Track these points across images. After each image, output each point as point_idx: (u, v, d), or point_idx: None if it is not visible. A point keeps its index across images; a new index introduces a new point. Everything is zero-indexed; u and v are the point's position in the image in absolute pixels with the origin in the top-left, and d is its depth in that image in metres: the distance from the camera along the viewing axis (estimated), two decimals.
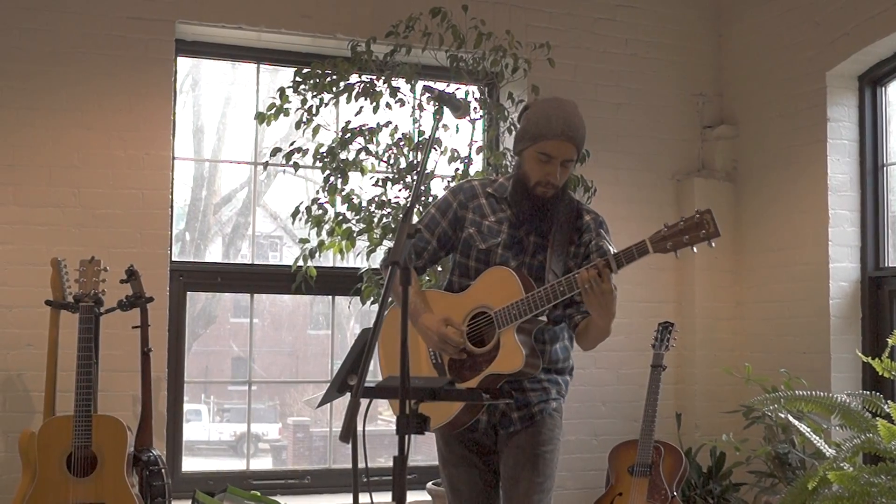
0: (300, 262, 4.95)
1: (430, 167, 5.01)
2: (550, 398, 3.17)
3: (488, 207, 3.18)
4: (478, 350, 3.03)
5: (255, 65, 5.54)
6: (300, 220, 4.96)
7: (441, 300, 3.15)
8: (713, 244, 2.83)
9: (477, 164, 5.18)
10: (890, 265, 5.21)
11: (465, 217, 3.18)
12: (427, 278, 4.83)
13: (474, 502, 3.21)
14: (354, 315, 6.11)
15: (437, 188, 5.00)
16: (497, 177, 3.37)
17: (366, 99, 4.93)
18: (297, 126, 4.97)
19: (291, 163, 4.93)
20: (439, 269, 4.79)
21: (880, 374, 3.88)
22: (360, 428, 2.19)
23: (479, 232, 3.15)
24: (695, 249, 2.86)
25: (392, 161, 4.92)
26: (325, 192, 4.93)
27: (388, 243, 4.83)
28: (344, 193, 4.90)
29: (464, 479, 3.21)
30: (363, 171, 4.96)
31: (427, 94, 4.79)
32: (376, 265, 5.00)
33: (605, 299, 2.84)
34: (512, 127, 5.12)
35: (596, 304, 2.86)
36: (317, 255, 4.96)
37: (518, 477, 3.11)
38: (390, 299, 2.69)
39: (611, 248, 3.05)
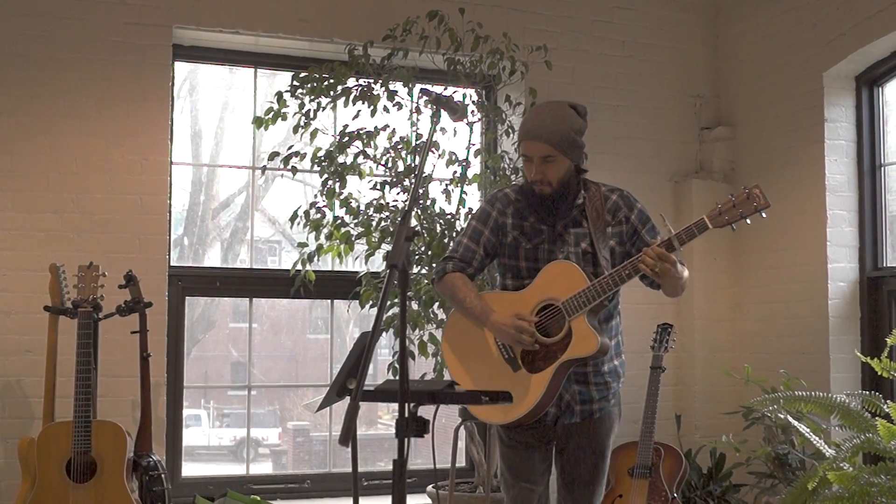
0: (299, 267, 4.95)
1: (427, 170, 5.02)
2: (610, 395, 3.36)
3: (524, 210, 3.36)
4: (550, 339, 3.19)
5: (253, 69, 5.55)
6: (298, 224, 4.96)
7: (503, 300, 3.31)
8: (764, 214, 3.08)
9: (475, 168, 5.18)
10: (888, 265, 5.22)
11: (506, 223, 3.37)
12: (427, 282, 4.83)
13: (529, 477, 3.37)
14: (353, 319, 6.09)
15: (435, 191, 5.01)
16: (519, 182, 3.56)
17: (363, 102, 4.93)
18: (295, 130, 4.97)
19: (289, 167, 4.93)
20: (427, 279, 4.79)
21: (879, 374, 3.88)
22: (360, 431, 2.19)
23: (523, 233, 3.34)
24: (748, 221, 3.09)
25: (390, 164, 4.92)
26: (324, 196, 4.93)
27: (386, 247, 4.83)
28: (342, 197, 4.90)
29: (522, 456, 3.37)
30: (361, 175, 4.96)
31: (424, 98, 4.80)
32: (375, 269, 5.00)
33: (669, 271, 3.07)
34: (510, 129, 5.12)
35: (664, 276, 3.10)
36: (315, 259, 4.95)
37: (578, 479, 3.36)
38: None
39: (670, 228, 3.23)
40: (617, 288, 3.16)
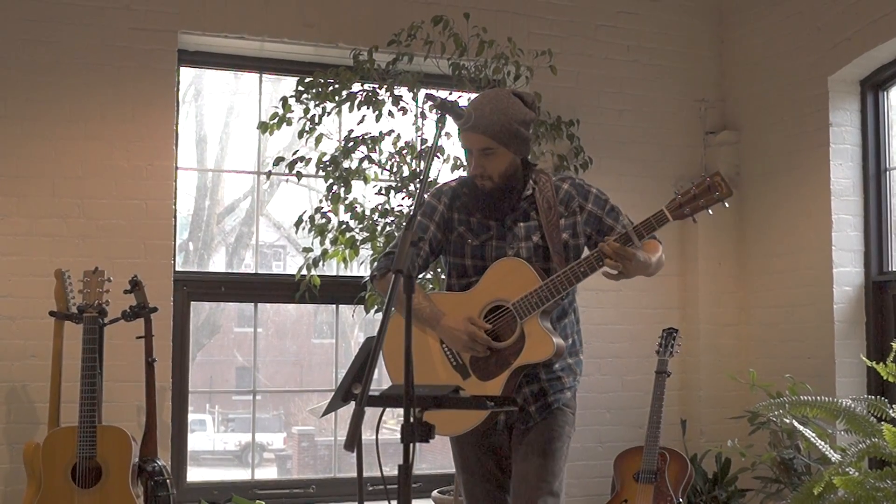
0: (304, 272, 4.96)
1: (432, 175, 5.02)
2: (565, 388, 3.13)
3: (471, 205, 3.15)
4: (501, 344, 2.98)
5: (258, 74, 5.56)
6: (303, 229, 4.97)
7: (448, 301, 3.10)
8: (727, 204, 2.89)
9: None
10: (893, 269, 5.21)
11: (453, 217, 3.17)
12: (431, 286, 4.83)
13: None
14: (358, 323, 6.10)
15: None
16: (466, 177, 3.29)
17: (368, 107, 4.93)
18: (300, 135, 4.98)
19: (294, 172, 4.94)
20: (443, 276, 4.79)
21: (885, 378, 3.88)
22: (365, 436, 2.19)
23: (470, 229, 3.14)
24: (710, 212, 2.91)
25: (395, 169, 4.92)
26: (329, 201, 4.94)
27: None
28: (347, 202, 4.91)
29: (479, 487, 3.18)
30: (366, 180, 4.97)
31: (429, 103, 4.80)
32: None
33: (632, 266, 2.89)
34: None
35: (627, 272, 2.92)
36: (320, 264, 4.96)
37: (527, 474, 3.06)
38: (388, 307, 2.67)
39: (629, 221, 3.07)
40: (572, 287, 2.95)
